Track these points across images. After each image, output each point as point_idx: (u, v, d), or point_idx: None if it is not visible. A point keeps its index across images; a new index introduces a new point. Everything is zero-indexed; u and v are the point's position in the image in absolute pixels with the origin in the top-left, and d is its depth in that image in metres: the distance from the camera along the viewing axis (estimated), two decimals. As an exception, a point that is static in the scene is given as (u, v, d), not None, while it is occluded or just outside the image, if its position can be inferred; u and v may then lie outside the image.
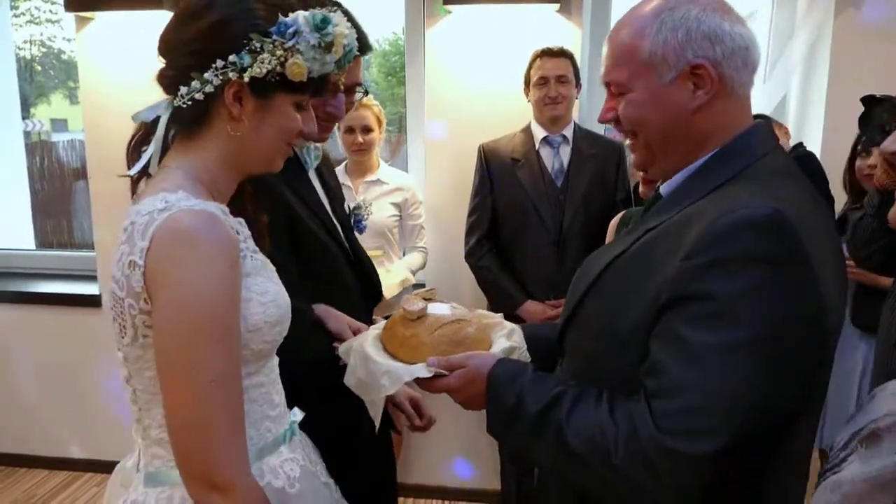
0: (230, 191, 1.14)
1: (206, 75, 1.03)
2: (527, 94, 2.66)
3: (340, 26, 1.08)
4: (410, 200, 2.93)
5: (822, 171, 2.49)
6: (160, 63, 1.10)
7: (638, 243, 1.03)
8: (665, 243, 0.98)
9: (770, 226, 0.88)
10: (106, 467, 2.04)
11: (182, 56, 1.06)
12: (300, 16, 1.04)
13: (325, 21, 1.05)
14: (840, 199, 2.52)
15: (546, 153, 2.66)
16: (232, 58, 1.02)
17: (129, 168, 1.12)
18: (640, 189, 1.85)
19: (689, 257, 0.91)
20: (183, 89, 1.04)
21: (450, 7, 2.77)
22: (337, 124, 1.88)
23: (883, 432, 0.94)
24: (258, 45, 1.03)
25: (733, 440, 0.86)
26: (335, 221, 1.57)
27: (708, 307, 0.89)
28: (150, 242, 0.95)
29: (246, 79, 1.03)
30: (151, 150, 1.09)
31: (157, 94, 1.10)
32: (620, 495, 0.95)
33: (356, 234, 1.71)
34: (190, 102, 1.04)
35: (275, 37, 1.03)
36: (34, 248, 3.76)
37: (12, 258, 3.56)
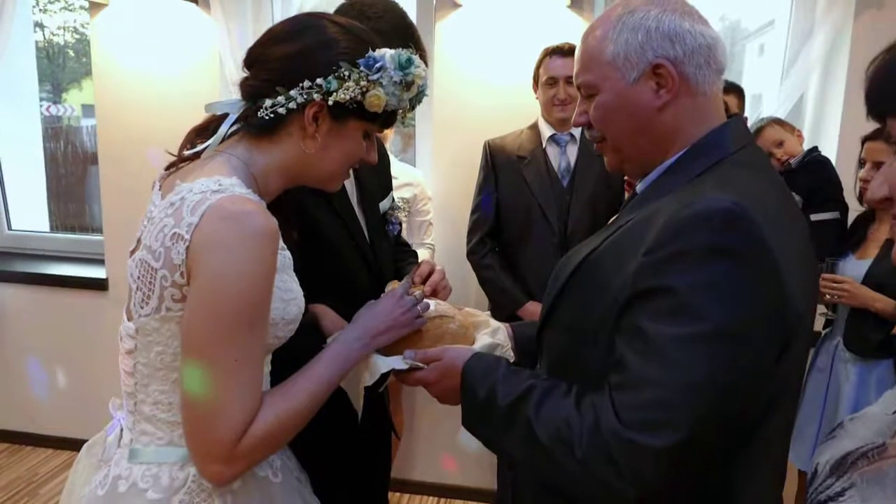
0: (275, 194, 1.18)
1: (291, 92, 1.09)
2: (535, 92, 2.62)
3: (420, 69, 1.17)
4: (419, 196, 2.91)
5: (836, 177, 2.43)
6: (244, 72, 1.17)
7: (607, 241, 1.05)
8: (631, 240, 0.99)
9: (729, 218, 0.88)
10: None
11: (270, 71, 1.12)
12: (388, 53, 1.13)
13: (410, 62, 1.14)
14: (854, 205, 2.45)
15: (553, 152, 2.62)
16: (319, 80, 1.09)
17: (180, 150, 1.18)
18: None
19: (650, 252, 0.92)
20: (267, 101, 1.10)
21: (459, 0, 2.75)
22: None
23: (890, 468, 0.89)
24: (346, 73, 1.10)
25: (693, 433, 0.86)
26: (361, 223, 1.55)
27: (668, 301, 0.89)
28: (199, 219, 0.99)
29: (329, 102, 1.10)
30: (210, 141, 1.15)
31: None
32: (586, 489, 0.95)
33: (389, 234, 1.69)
34: (272, 115, 1.10)
35: (362, 68, 1.11)
36: (48, 230, 3.82)
37: (26, 239, 3.62)
